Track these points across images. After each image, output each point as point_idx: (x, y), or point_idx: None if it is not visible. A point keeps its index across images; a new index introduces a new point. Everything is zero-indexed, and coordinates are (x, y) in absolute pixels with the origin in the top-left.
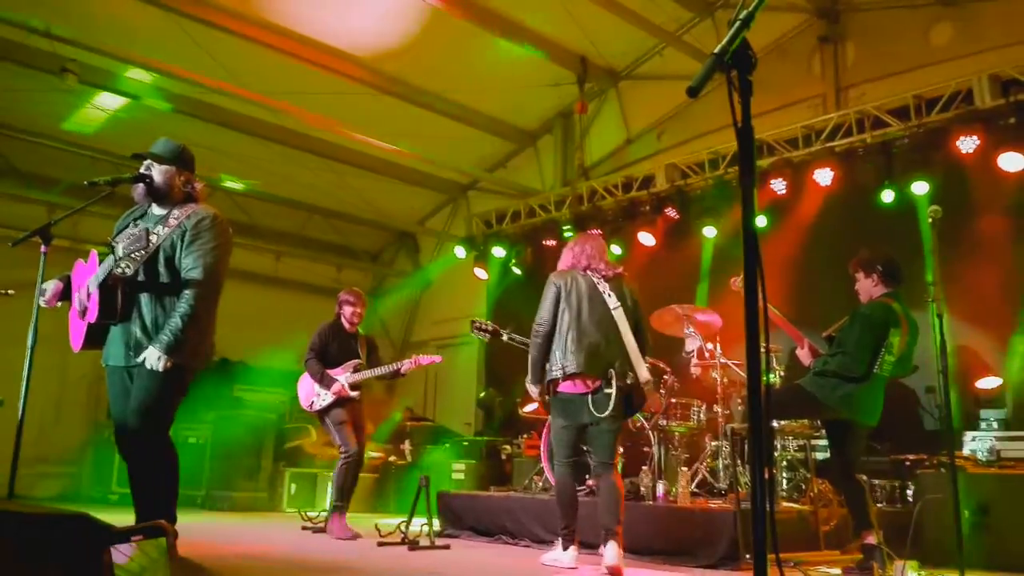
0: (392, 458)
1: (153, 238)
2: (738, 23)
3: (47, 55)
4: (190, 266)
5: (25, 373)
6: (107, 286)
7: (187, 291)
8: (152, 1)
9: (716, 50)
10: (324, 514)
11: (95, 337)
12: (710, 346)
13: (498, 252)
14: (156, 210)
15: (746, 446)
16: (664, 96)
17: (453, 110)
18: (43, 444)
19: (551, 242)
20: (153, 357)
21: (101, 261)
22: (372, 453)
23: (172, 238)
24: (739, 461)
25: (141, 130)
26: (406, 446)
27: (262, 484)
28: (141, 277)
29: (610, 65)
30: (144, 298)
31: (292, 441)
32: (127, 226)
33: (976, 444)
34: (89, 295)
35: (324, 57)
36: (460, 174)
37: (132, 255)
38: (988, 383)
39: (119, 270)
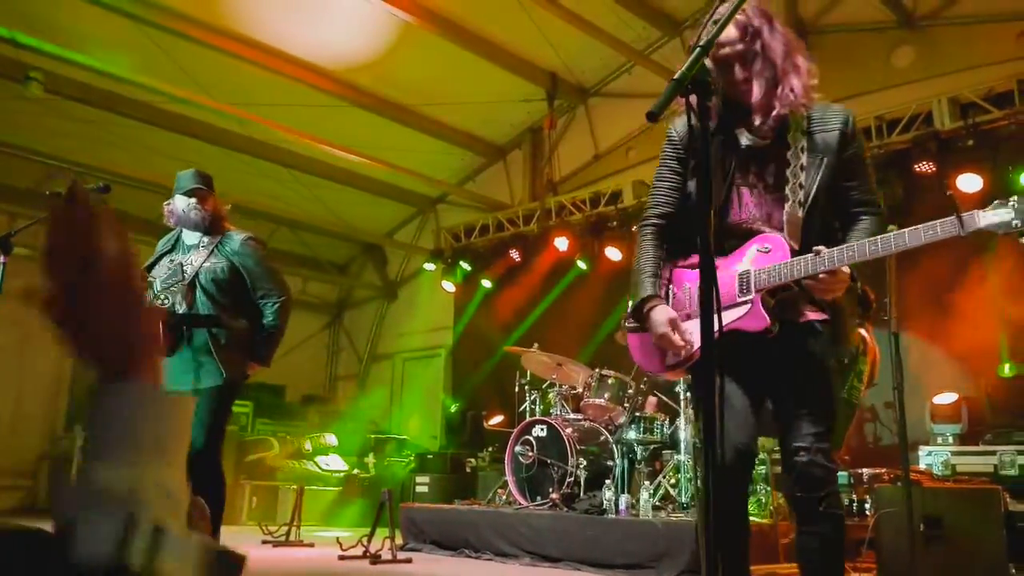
0: (355, 471)
1: (188, 268)
2: (698, 49)
3: (11, 62)
4: (265, 290)
5: None
6: None
7: (270, 307)
8: (120, 11)
9: (676, 76)
10: (285, 527)
11: None
12: None
13: (465, 265)
14: (188, 239)
15: None
16: (632, 113)
17: (423, 123)
18: None
19: (518, 256)
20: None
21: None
22: (335, 466)
23: (211, 264)
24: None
25: (98, 138)
26: (370, 459)
27: None
28: (181, 307)
29: (579, 82)
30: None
31: (253, 454)
32: (160, 258)
33: (931, 458)
34: None
35: (294, 68)
36: (429, 187)
37: (171, 288)
38: (944, 399)
39: (159, 302)
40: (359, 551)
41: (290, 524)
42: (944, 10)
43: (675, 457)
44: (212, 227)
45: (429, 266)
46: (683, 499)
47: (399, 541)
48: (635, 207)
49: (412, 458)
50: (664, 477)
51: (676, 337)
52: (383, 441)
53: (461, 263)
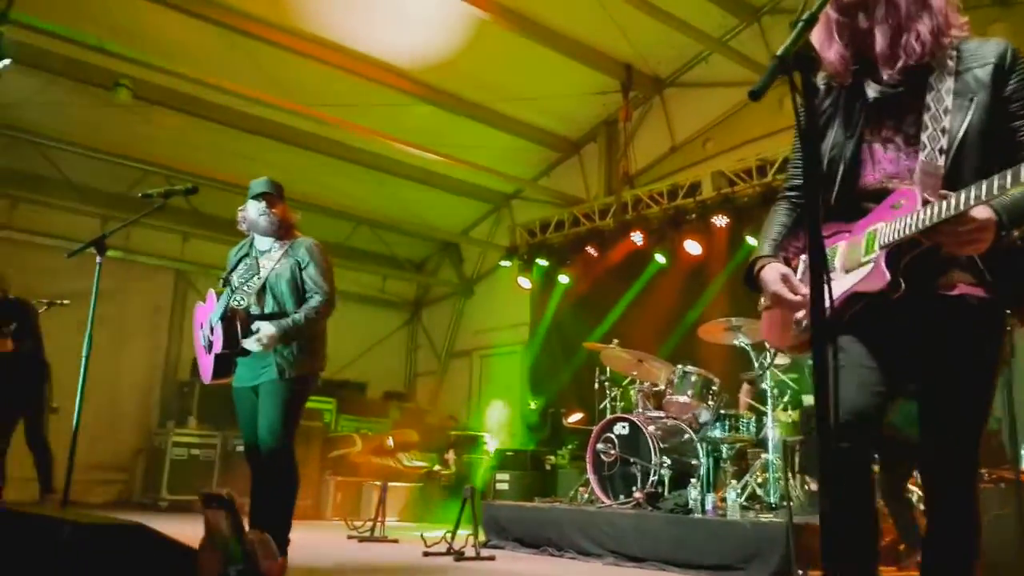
0: (436, 467)
1: (262, 271)
2: (801, 23)
3: (101, 70)
4: (312, 288)
5: (80, 381)
6: (227, 318)
7: (311, 303)
8: (202, 17)
9: (779, 52)
10: (370, 523)
11: (223, 368)
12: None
13: (542, 261)
14: (260, 245)
15: (796, 458)
16: (710, 103)
17: (497, 120)
18: (96, 451)
19: (595, 251)
20: (265, 334)
21: (218, 298)
22: (416, 462)
23: (281, 268)
24: (791, 474)
25: (183, 141)
26: (450, 455)
27: (308, 492)
28: (255, 308)
29: (655, 72)
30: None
31: (337, 450)
32: (237, 265)
33: None
34: (212, 329)
35: (370, 69)
36: (503, 183)
37: (245, 287)
38: None
39: (235, 302)
40: (443, 548)
41: (374, 520)
42: None
43: (763, 456)
44: (281, 232)
45: (505, 263)
46: (772, 499)
47: (482, 538)
48: (714, 199)
49: (492, 455)
50: (751, 476)
51: (789, 292)
52: (463, 438)
53: (537, 259)
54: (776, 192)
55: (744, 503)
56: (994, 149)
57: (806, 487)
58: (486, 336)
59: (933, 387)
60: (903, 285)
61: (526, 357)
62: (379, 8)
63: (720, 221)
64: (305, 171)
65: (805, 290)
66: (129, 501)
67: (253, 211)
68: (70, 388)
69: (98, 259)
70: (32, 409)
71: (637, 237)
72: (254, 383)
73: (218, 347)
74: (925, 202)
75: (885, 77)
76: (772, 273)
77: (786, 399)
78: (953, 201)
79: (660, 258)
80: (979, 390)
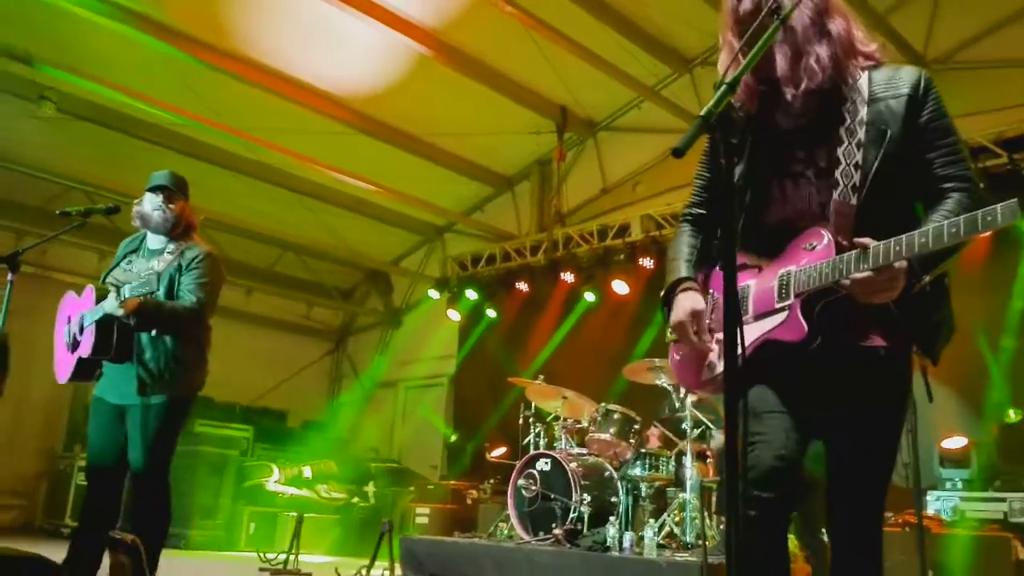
0: (355, 499)
1: (151, 279)
2: (724, 87)
3: (25, 82)
4: (184, 295)
5: None
6: (103, 324)
7: (181, 301)
8: (135, 34)
9: (702, 112)
10: (283, 555)
11: (84, 371)
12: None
13: (471, 295)
14: (152, 243)
15: (713, 498)
16: (641, 148)
17: (432, 153)
18: None
19: (525, 286)
20: (129, 297)
21: (97, 297)
22: (335, 494)
23: (169, 272)
24: (707, 513)
25: (107, 159)
26: (370, 488)
27: (219, 522)
28: (135, 319)
29: (589, 116)
30: (145, 338)
31: (253, 479)
32: (120, 262)
33: (940, 504)
34: (83, 329)
35: (306, 96)
36: (436, 215)
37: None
38: (953, 443)
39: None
40: None
41: (288, 552)
42: (956, 54)
43: (680, 495)
44: (177, 232)
45: (434, 294)
46: (688, 538)
47: (398, 573)
48: (643, 241)
49: (412, 488)
50: (669, 515)
51: (692, 330)
52: (383, 470)
53: (467, 292)
54: None
55: (661, 542)
56: (908, 182)
57: (722, 527)
58: (412, 367)
59: (842, 435)
60: (819, 336)
61: (452, 390)
62: (319, 37)
63: (647, 263)
64: (234, 194)
65: (708, 337)
66: (31, 526)
67: (148, 204)
68: None
69: (10, 276)
70: None
71: (567, 275)
72: (119, 401)
73: (85, 351)
74: (840, 248)
75: (789, 98)
76: (685, 303)
77: (699, 438)
78: (871, 254)
79: (589, 296)
80: (888, 440)
